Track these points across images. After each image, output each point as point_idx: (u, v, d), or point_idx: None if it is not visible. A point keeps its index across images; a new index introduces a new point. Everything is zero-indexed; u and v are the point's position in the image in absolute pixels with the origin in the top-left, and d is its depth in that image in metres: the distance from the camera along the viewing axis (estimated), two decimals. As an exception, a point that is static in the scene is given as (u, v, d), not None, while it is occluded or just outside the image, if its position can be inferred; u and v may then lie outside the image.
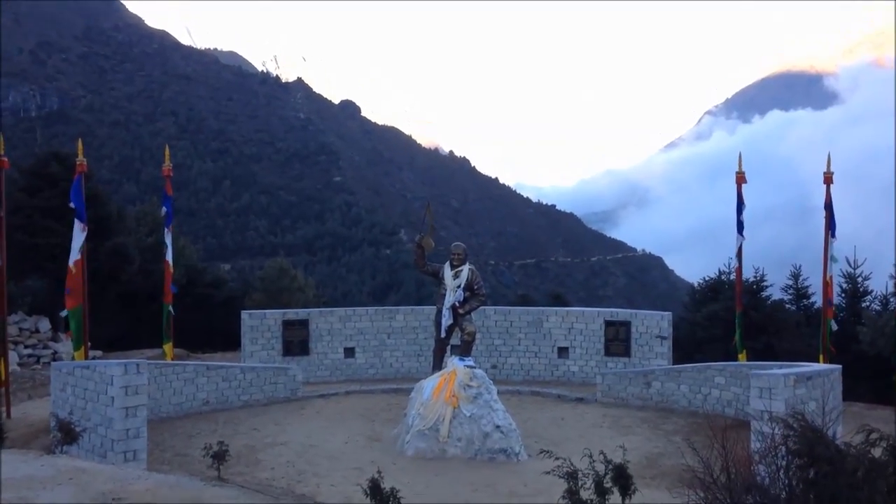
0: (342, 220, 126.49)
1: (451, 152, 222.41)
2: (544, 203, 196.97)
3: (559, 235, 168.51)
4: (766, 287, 21.66)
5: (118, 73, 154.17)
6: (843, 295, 20.44)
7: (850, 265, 20.53)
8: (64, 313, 15.04)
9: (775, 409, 9.92)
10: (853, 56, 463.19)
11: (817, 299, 20.77)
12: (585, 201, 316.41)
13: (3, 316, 14.49)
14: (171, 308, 16.65)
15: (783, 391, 10.47)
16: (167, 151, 17.88)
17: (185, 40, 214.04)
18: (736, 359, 15.96)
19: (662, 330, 17.50)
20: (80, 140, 16.02)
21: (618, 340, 17.91)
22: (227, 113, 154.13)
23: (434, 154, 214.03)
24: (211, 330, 26.39)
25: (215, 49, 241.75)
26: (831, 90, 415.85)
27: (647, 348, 17.60)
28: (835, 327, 15.53)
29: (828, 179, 15.34)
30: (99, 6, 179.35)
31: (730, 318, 17.95)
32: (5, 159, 14.71)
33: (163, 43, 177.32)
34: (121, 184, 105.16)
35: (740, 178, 16.21)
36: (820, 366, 13.00)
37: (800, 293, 22.15)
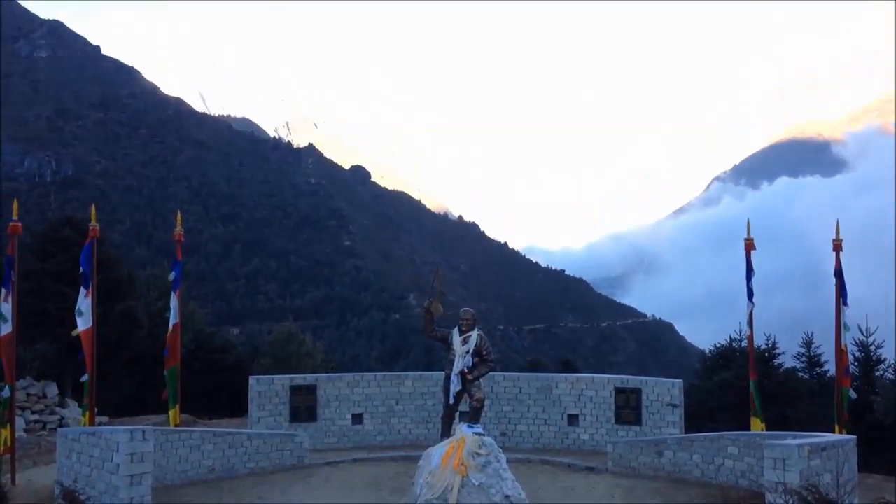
0: (351, 285, 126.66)
1: (460, 217, 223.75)
2: (553, 268, 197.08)
3: (568, 300, 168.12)
4: (779, 355, 21.46)
5: (133, 140, 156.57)
6: (856, 364, 20.22)
7: (862, 333, 20.35)
8: (84, 378, 14.96)
9: (790, 480, 9.74)
10: (859, 123, 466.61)
11: (830, 367, 20.55)
12: (594, 266, 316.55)
13: (12, 382, 14.45)
14: (165, 373, 16.42)
15: (797, 462, 10.29)
16: (179, 216, 18.00)
17: (199, 107, 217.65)
18: (748, 428, 15.70)
19: (674, 398, 17.28)
20: (93, 205, 16.19)
21: (628, 408, 17.66)
22: (238, 178, 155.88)
23: (443, 219, 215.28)
24: (219, 394, 26.25)
25: (228, 115, 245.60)
26: (839, 157, 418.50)
27: (658, 416, 17.35)
28: (853, 395, 15.27)
29: (837, 246, 15.30)
30: (115, 74, 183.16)
31: (742, 387, 17.74)
32: (19, 224, 14.85)
33: (177, 110, 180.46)
34: (133, 248, 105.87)
35: (749, 245, 16.18)
36: (834, 436, 12.80)
37: (812, 361, 21.93)
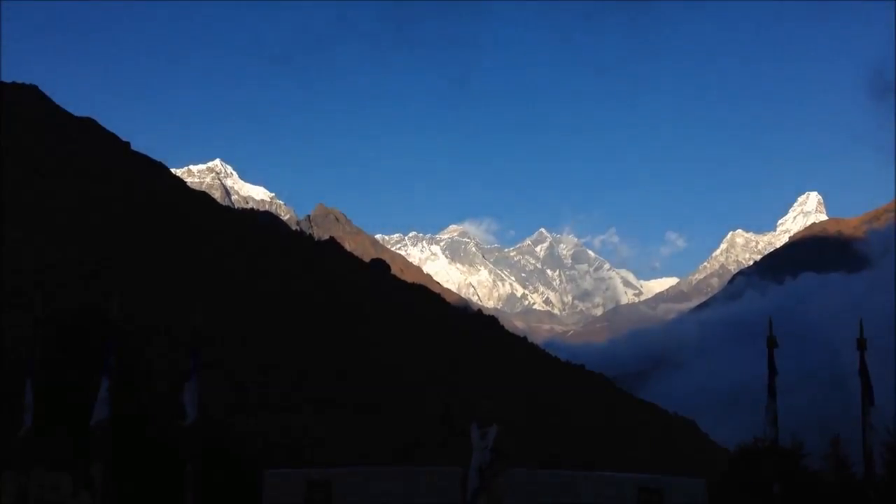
0: (368, 378, 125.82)
1: (479, 311, 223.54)
2: (573, 363, 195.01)
3: (588, 396, 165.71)
4: (805, 455, 21.00)
5: (157, 232, 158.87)
6: (885, 466, 19.65)
7: (889, 435, 19.90)
8: None
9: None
10: (879, 222, 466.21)
11: (858, 468, 20.03)
12: (616, 361, 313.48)
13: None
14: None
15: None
16: (198, 310, 18.14)
17: (222, 200, 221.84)
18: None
19: (698, 499, 16.85)
20: (115, 295, 16.38)
21: (651, 508, 17.21)
22: (259, 270, 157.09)
23: (462, 312, 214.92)
24: (232, 489, 25.86)
25: (252, 209, 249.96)
26: (862, 254, 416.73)
27: (681, 518, 16.89)
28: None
29: (861, 345, 15.11)
30: (143, 169, 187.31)
31: (767, 486, 17.29)
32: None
33: (202, 203, 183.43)
34: (151, 338, 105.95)
35: (771, 343, 16.02)
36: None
37: (840, 462, 21.42)
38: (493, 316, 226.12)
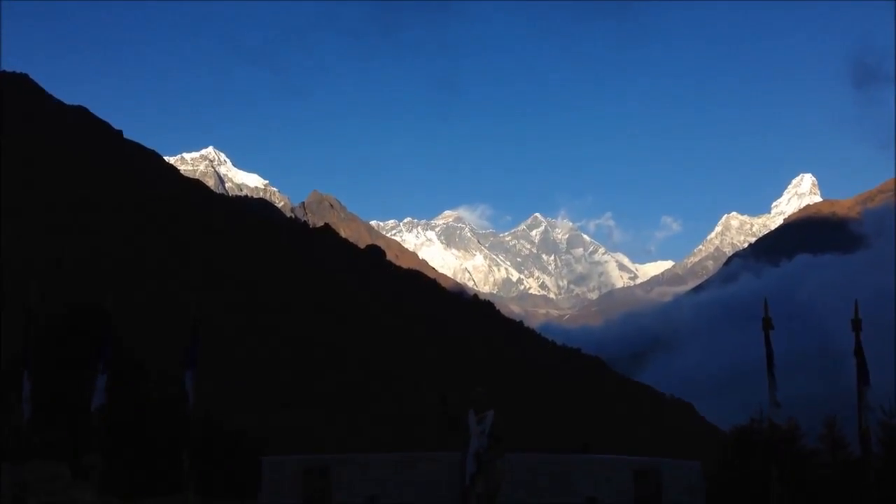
0: (365, 370, 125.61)
1: (475, 296, 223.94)
2: (569, 347, 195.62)
3: (585, 379, 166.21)
4: (801, 437, 21.07)
5: (150, 224, 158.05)
6: (880, 445, 19.75)
7: (884, 414, 19.95)
8: None
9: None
10: (874, 202, 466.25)
11: (854, 448, 20.10)
12: (612, 344, 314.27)
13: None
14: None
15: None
16: (194, 301, 18.04)
17: (216, 189, 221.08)
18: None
19: (694, 481, 16.91)
20: (109, 291, 16.33)
21: (648, 491, 17.26)
22: (253, 261, 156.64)
23: (458, 298, 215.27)
24: (231, 478, 25.91)
25: (246, 196, 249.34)
26: (857, 234, 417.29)
27: (678, 500, 16.95)
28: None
29: (856, 325, 15.10)
30: (136, 158, 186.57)
31: (762, 468, 17.36)
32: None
33: (195, 193, 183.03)
34: (147, 333, 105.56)
35: (767, 324, 15.98)
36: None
37: (835, 442, 21.51)
38: (489, 301, 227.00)
